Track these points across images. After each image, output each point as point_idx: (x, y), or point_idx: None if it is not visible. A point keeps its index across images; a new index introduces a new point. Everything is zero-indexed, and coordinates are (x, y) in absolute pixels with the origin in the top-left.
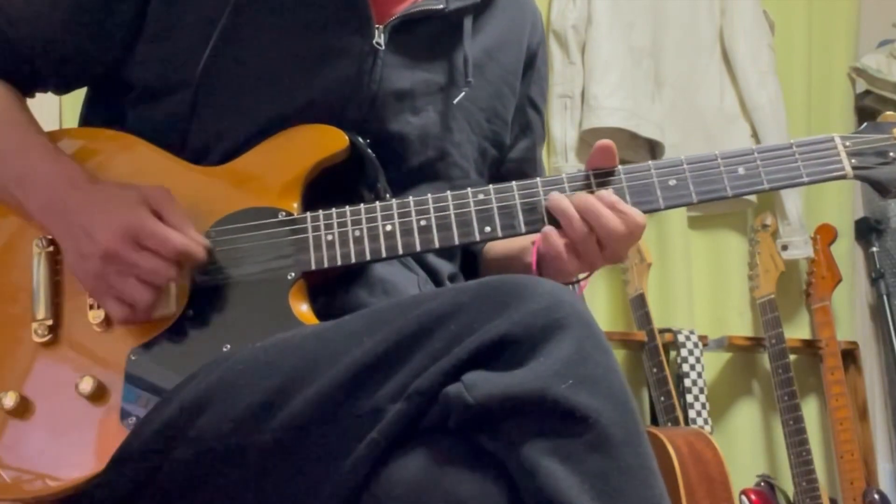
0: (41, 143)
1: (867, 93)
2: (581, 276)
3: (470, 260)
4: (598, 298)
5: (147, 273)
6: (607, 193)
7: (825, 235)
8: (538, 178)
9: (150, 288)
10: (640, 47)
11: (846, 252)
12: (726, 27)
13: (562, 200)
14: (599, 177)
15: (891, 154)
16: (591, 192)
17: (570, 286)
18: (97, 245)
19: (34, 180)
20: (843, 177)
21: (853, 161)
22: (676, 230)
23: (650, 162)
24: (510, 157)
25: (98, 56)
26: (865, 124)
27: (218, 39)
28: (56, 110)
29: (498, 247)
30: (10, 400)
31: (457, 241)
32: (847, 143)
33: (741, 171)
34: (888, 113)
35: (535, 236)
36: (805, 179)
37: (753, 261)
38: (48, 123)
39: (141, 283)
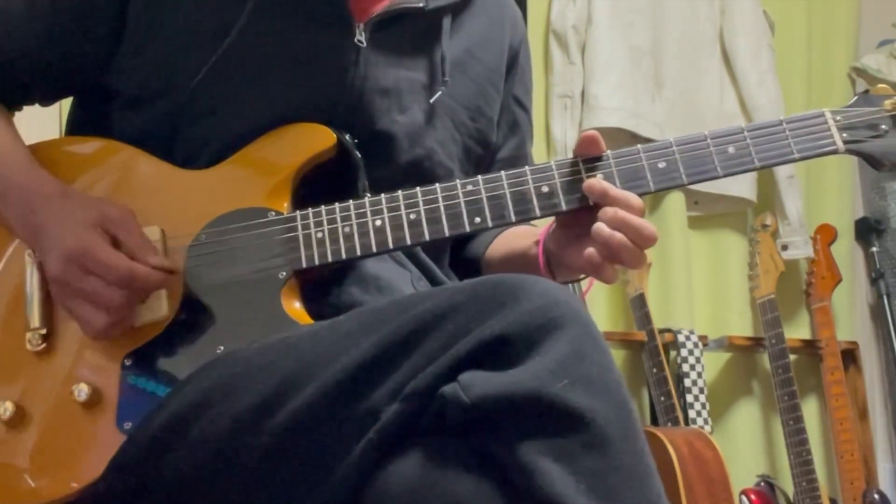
0: (20, 157)
1: (867, 93)
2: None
3: (473, 267)
4: (598, 298)
5: (95, 298)
6: (597, 181)
7: (825, 235)
8: (526, 167)
9: (101, 311)
10: (639, 47)
11: (846, 252)
12: (726, 27)
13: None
14: (588, 162)
15: (882, 126)
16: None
17: (573, 284)
18: (49, 269)
19: (14, 196)
20: (835, 151)
21: (844, 135)
22: (676, 230)
23: (639, 146)
24: (500, 157)
25: (80, 67)
26: (856, 97)
27: (224, 47)
28: (56, 114)
29: (500, 250)
30: (6, 409)
31: (447, 234)
32: (838, 118)
33: (731, 150)
34: (880, 85)
35: (535, 236)
36: (796, 156)
37: (753, 261)
38: (48, 127)
39: (92, 306)
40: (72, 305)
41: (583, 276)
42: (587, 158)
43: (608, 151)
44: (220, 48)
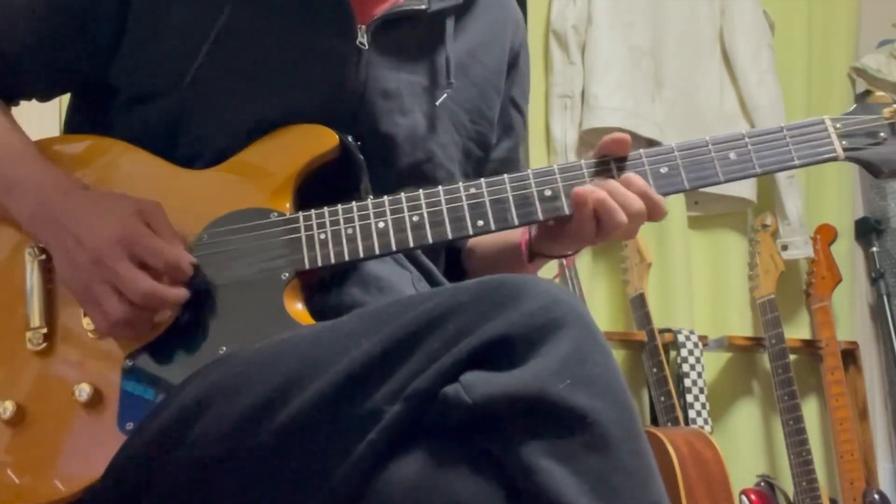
0: (28, 151)
1: (867, 93)
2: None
3: (453, 257)
4: (598, 298)
5: (124, 283)
6: (635, 177)
7: (825, 235)
8: (529, 171)
9: (125, 302)
10: (639, 47)
11: (846, 252)
12: (726, 27)
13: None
14: (591, 167)
15: (881, 134)
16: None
17: (573, 284)
18: (87, 252)
19: (23, 188)
20: (835, 159)
21: (844, 143)
22: (676, 230)
23: (641, 150)
24: (493, 158)
25: (80, 63)
26: (855, 105)
27: (209, 43)
28: (56, 111)
29: (484, 239)
30: (6, 409)
31: (450, 236)
32: (838, 125)
33: (732, 156)
34: (879, 94)
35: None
36: (797, 163)
37: (753, 261)
38: (48, 124)
39: (117, 295)
40: (97, 291)
41: (569, 253)
42: (590, 163)
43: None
44: (205, 46)
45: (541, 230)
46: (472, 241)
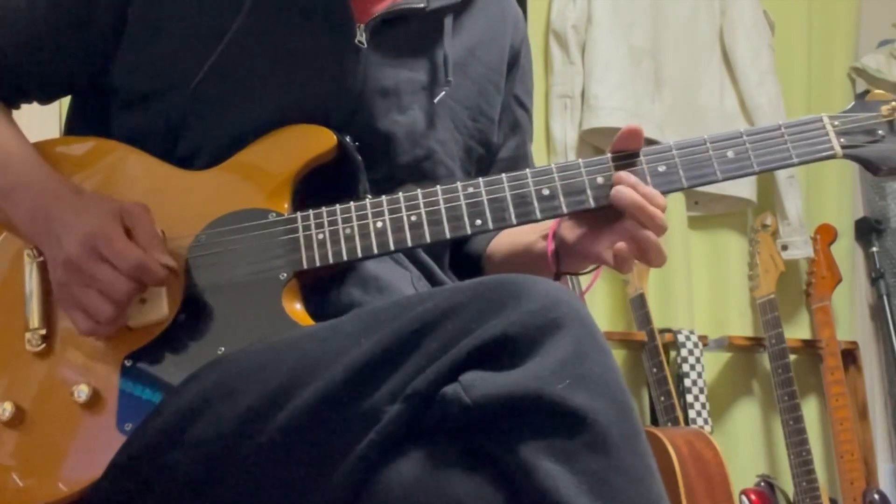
0: (26, 155)
1: (867, 93)
2: (591, 266)
3: (475, 264)
4: (598, 298)
5: (104, 286)
6: (626, 175)
7: (825, 235)
8: (527, 170)
9: (109, 301)
10: (640, 47)
11: (846, 252)
12: (726, 27)
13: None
14: (589, 165)
15: (879, 132)
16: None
17: (573, 281)
18: (64, 255)
19: (20, 191)
20: (833, 156)
21: (842, 140)
22: (676, 230)
23: (639, 149)
24: (501, 157)
25: (80, 64)
26: (854, 103)
27: (223, 46)
28: (56, 113)
29: (503, 244)
30: (5, 410)
31: (448, 235)
32: (835, 123)
33: (730, 154)
34: (876, 91)
35: (540, 230)
36: (795, 161)
37: (753, 261)
38: (48, 126)
39: (101, 296)
40: (79, 294)
41: (588, 269)
42: (589, 162)
43: (609, 155)
44: (218, 48)
45: (562, 241)
46: (489, 251)
